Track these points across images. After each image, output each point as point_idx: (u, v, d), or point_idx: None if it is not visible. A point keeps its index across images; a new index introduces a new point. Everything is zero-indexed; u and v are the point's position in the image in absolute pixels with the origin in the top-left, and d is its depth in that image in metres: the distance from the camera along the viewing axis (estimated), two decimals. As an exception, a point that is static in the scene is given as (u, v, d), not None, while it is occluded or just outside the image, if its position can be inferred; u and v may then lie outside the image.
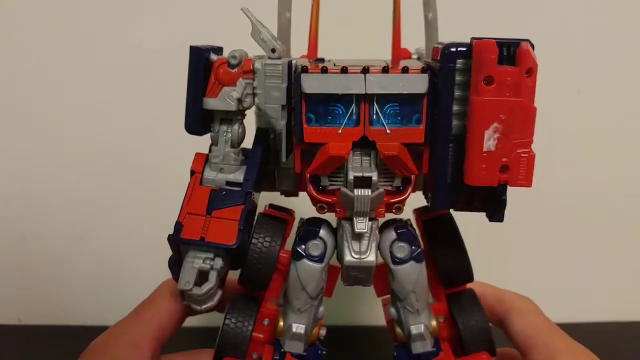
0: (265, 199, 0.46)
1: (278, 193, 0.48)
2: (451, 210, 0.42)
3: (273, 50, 0.39)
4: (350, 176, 0.37)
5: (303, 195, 0.48)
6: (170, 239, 0.39)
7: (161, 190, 0.70)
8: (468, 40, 0.36)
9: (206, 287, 0.38)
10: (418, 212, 0.45)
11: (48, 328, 0.74)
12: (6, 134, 0.71)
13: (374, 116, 0.37)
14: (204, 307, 0.40)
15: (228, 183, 0.41)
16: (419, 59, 0.47)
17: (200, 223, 0.39)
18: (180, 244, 0.39)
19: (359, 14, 0.65)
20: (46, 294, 0.75)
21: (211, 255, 0.39)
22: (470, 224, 0.45)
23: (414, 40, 0.49)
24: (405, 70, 0.37)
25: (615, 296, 0.74)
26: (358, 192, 0.37)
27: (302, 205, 0.47)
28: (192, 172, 0.42)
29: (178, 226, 0.39)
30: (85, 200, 0.73)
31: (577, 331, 0.68)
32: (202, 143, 0.43)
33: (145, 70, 0.69)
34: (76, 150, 0.71)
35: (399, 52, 0.47)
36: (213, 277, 0.38)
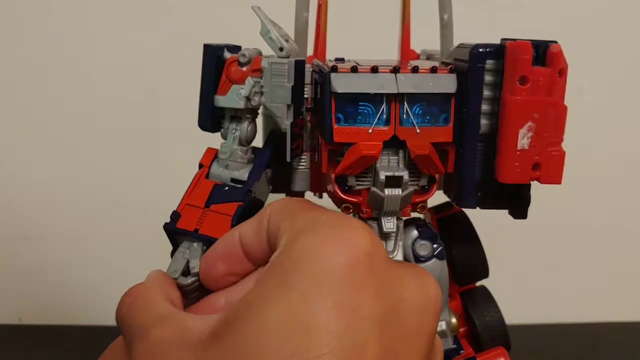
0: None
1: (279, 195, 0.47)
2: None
3: (281, 49, 0.39)
4: (382, 176, 0.37)
5: (308, 195, 0.48)
6: (166, 227, 0.39)
7: (164, 190, 0.68)
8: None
9: (191, 278, 0.38)
10: (432, 211, 0.46)
11: (49, 328, 0.72)
12: (7, 133, 0.70)
13: (404, 115, 0.37)
14: (191, 297, 0.39)
15: (233, 180, 0.41)
16: (427, 59, 0.47)
17: (197, 215, 0.39)
18: (176, 234, 0.39)
19: (360, 14, 0.66)
20: (47, 294, 0.74)
21: (204, 248, 0.39)
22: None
23: (416, 41, 0.50)
24: (434, 70, 0.37)
25: (615, 296, 0.77)
26: (388, 191, 0.37)
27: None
28: (201, 166, 0.42)
29: (175, 216, 0.39)
30: (87, 201, 0.72)
31: (577, 331, 0.71)
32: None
33: (156, 69, 0.68)
34: (78, 150, 0.71)
35: (407, 53, 0.47)
36: (198, 266, 0.38)
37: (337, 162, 0.38)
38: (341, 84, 0.36)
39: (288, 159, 0.40)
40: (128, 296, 0.35)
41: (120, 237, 0.73)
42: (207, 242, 0.39)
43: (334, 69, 0.37)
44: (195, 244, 0.39)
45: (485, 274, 0.45)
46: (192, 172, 0.42)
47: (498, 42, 0.37)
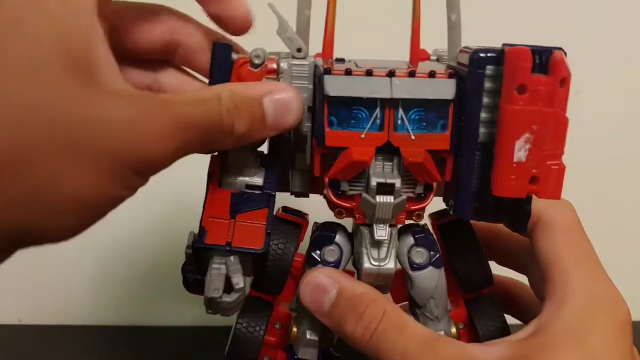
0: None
1: (287, 193, 0.47)
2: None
3: (299, 50, 0.38)
4: (373, 182, 0.36)
5: (313, 197, 0.47)
6: (196, 245, 0.37)
7: (164, 191, 0.68)
8: (481, 44, 0.36)
9: (236, 294, 0.36)
10: (434, 216, 0.44)
11: (49, 328, 0.73)
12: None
13: (399, 121, 0.36)
14: (230, 314, 0.38)
15: (247, 186, 0.40)
16: (438, 60, 0.46)
17: (225, 227, 0.38)
18: (203, 250, 0.37)
19: (373, 12, 0.64)
20: (47, 294, 0.74)
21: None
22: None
23: (431, 40, 0.48)
24: (432, 74, 0.36)
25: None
26: (380, 198, 0.36)
27: (313, 208, 0.46)
28: (210, 175, 0.40)
29: (202, 231, 0.37)
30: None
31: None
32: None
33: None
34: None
35: (417, 53, 0.45)
36: (242, 281, 0.37)
37: (331, 165, 0.38)
38: (333, 86, 0.35)
39: (308, 162, 0.40)
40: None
41: (120, 237, 0.71)
42: (242, 254, 0.37)
43: (327, 71, 0.36)
44: (232, 258, 0.37)
45: (488, 282, 0.43)
46: (195, 176, 0.41)
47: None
